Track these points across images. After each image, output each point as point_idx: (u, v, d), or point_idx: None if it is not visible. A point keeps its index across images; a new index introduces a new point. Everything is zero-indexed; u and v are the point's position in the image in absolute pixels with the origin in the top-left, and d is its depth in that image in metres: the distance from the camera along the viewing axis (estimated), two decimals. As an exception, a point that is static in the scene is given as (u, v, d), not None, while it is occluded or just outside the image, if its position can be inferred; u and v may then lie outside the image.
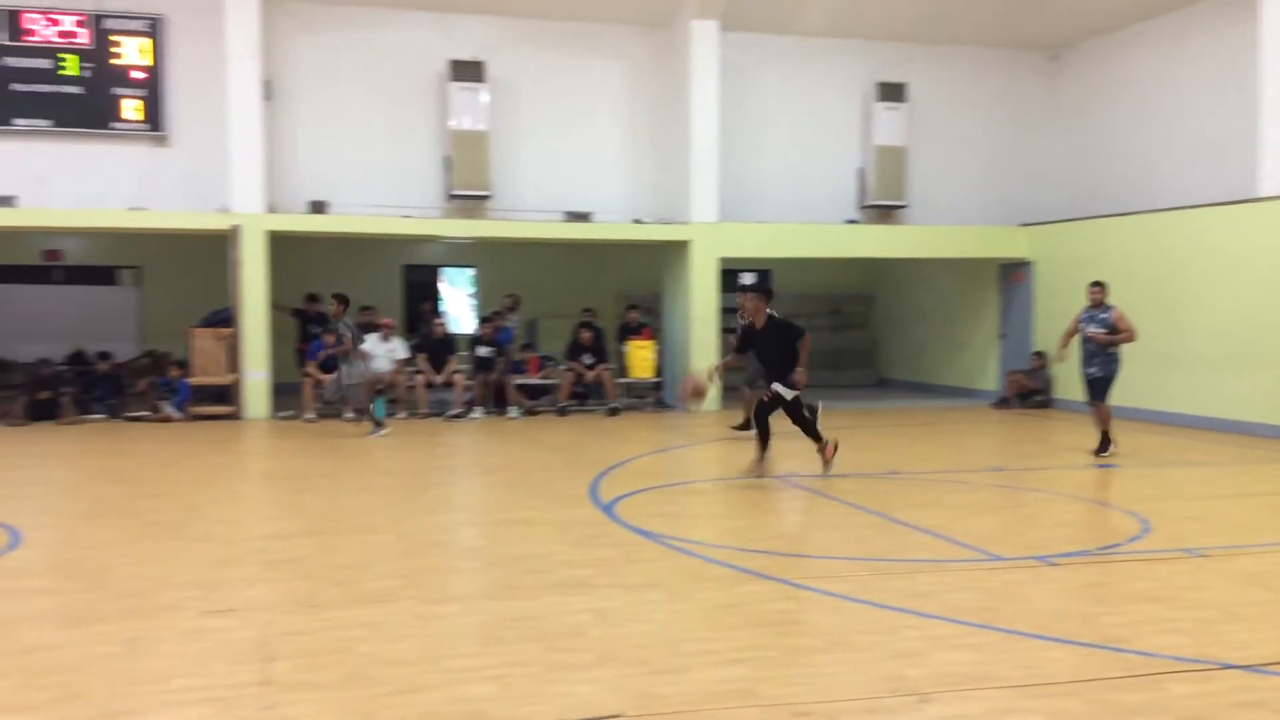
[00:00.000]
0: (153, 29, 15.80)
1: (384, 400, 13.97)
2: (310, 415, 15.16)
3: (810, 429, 10.22)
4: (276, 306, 15.88)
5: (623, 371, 16.82)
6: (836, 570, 6.74)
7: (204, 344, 15.54)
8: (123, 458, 12.24)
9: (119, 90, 15.73)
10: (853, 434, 12.21)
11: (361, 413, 14.15)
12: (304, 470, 11.27)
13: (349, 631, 5.42)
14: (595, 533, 7.81)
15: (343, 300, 14.28)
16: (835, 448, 10.23)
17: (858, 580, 6.46)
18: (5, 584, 6.47)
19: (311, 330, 16.43)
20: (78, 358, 16.23)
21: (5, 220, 15.06)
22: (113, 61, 15.68)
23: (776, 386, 10.03)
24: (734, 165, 17.34)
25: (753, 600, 6.05)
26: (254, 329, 15.43)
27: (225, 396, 15.47)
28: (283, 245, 15.82)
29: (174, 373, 15.33)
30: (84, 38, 15.57)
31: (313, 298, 16.96)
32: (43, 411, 14.80)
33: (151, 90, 15.82)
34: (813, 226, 17.50)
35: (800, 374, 9.99)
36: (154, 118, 15.83)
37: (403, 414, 15.31)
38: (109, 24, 15.65)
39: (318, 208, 16.00)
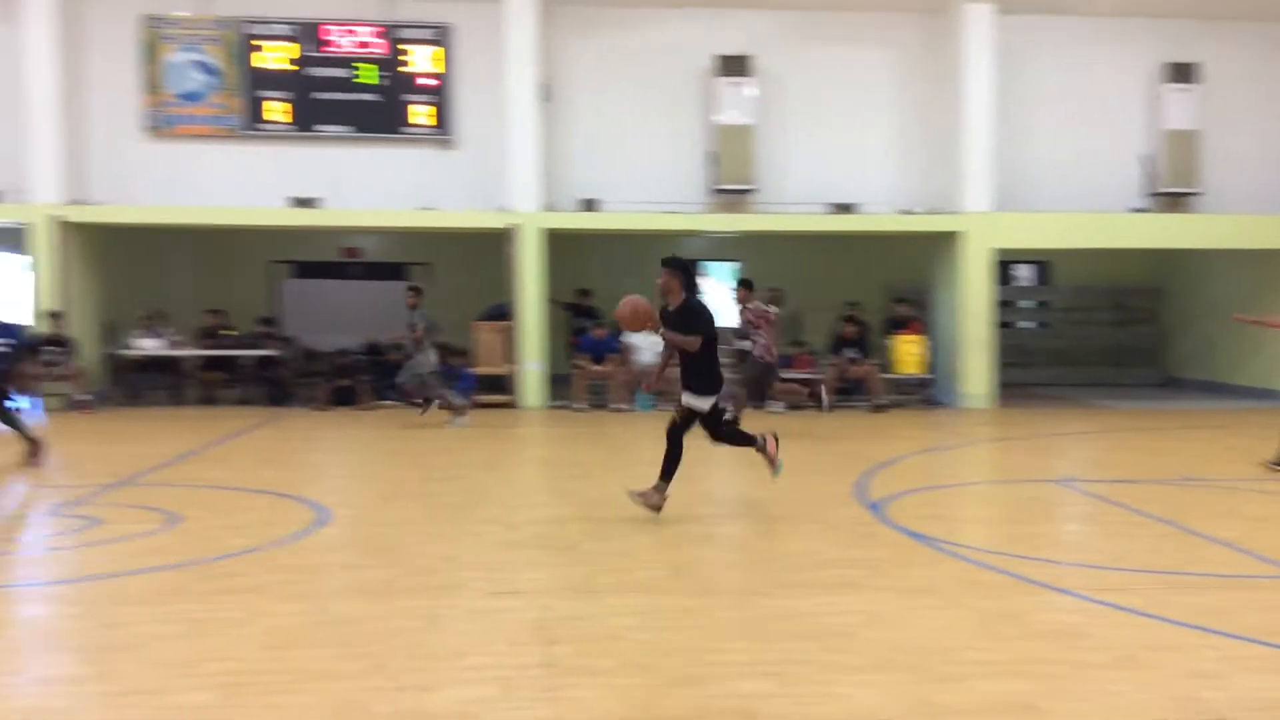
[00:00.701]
0: (442, 37, 16.75)
1: (651, 395, 14.25)
2: (580, 405, 15.69)
3: (740, 437, 8.53)
4: (551, 301, 16.54)
5: (889, 367, 16.52)
6: (1123, 582, 6.40)
7: (485, 336, 16.39)
8: (414, 442, 13.04)
9: (409, 97, 16.76)
10: (1139, 436, 11.55)
11: (428, 401, 14.25)
12: (576, 458, 11.69)
13: (623, 619, 5.58)
14: (863, 533, 7.72)
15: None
16: (775, 439, 8.49)
17: (1147, 593, 6.10)
18: (319, 558, 7.05)
19: (582, 324, 16.99)
20: (373, 348, 17.41)
21: (310, 220, 16.37)
22: (404, 69, 16.72)
23: (687, 398, 8.05)
24: (1007, 153, 16.72)
25: (1033, 610, 5.82)
26: (530, 322, 16.14)
27: (503, 386, 16.25)
28: (557, 242, 16.44)
29: (457, 362, 16.23)
30: (379, 47, 16.67)
31: (584, 292, 17.53)
32: (343, 398, 16.02)
33: (440, 96, 16.78)
34: (1095, 216, 16.64)
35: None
36: (442, 122, 16.79)
37: (666, 406, 15.60)
38: (401, 34, 16.69)
39: (589, 205, 16.52)
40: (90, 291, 16.36)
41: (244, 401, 16.64)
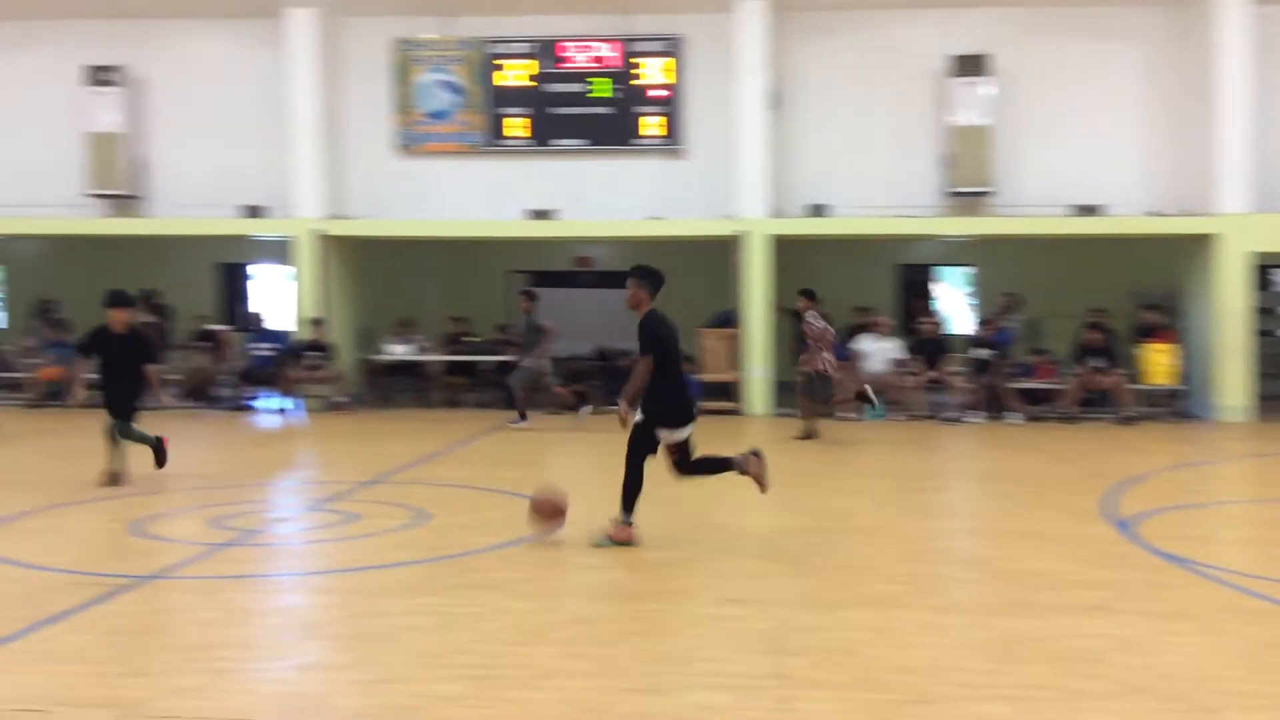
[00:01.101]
0: (673, 48, 17.00)
1: (880, 402, 14.01)
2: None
3: (712, 466, 7.50)
4: (778, 308, 16.48)
5: (1137, 377, 15.66)
6: None
7: (712, 343, 16.51)
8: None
9: (641, 108, 17.09)
10: None
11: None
12: (803, 466, 11.60)
13: (856, 633, 5.51)
14: (1111, 552, 7.35)
15: (531, 296, 14.61)
16: (759, 457, 7.50)
17: None
18: (556, 558, 7.26)
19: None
20: (603, 354, 17.84)
21: (545, 231, 16.94)
22: (636, 82, 17.06)
23: (660, 431, 7.26)
24: (1267, 150, 15.59)
25: (1302, 641, 5.41)
26: (756, 329, 16.16)
27: (729, 393, 16.32)
28: (783, 248, 16.39)
29: (684, 369, 16.41)
30: (614, 61, 17.07)
31: (809, 295, 17.35)
32: (575, 402, 16.43)
33: (670, 106, 17.03)
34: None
35: (622, 409, 7.27)
36: (672, 132, 17.04)
37: (900, 415, 15.31)
38: (635, 47, 17.04)
39: (817, 211, 16.40)
40: (347, 300, 17.44)
41: (483, 405, 17.34)
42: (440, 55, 17.26)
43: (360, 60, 17.39)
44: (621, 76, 17.09)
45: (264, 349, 16.71)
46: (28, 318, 18.63)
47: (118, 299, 9.87)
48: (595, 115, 17.17)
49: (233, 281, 20.54)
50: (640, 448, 7.27)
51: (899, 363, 15.27)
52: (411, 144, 17.39)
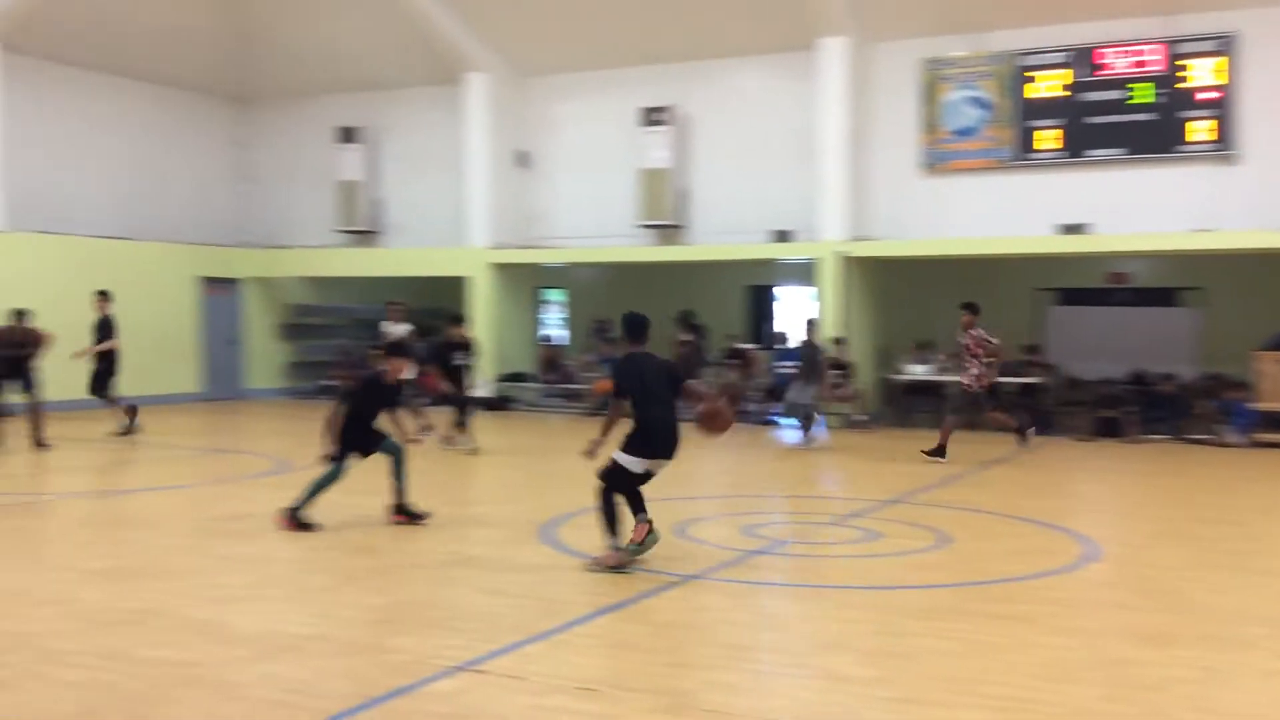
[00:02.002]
0: (1225, 47, 15.53)
1: None
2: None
3: (607, 515, 7.22)
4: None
5: None
6: None
7: (1269, 368, 14.82)
8: (1182, 479, 12.23)
9: (1187, 113, 15.78)
10: None
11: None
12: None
13: None
14: None
15: (811, 325, 13.99)
16: (650, 526, 7.20)
17: None
18: (1089, 594, 6.96)
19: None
20: (1139, 378, 16.64)
21: (1077, 246, 16.14)
22: (1181, 85, 15.77)
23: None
24: None
25: None
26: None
27: (1291, 424, 14.55)
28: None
29: (1233, 396, 14.89)
30: (1156, 65, 15.91)
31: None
32: (1106, 429, 15.52)
33: (1221, 109, 15.57)
34: None
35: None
36: (1223, 136, 15.56)
37: None
38: (1180, 48, 15.77)
39: None
40: (866, 320, 17.74)
41: (1003, 429, 16.81)
42: (969, 72, 17.05)
43: (887, 84, 17.63)
44: (1165, 80, 15.87)
45: (788, 367, 17.42)
46: (587, 336, 20.83)
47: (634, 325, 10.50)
48: (1135, 123, 16.09)
49: (760, 302, 21.62)
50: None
51: None
52: (936, 163, 17.34)
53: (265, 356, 22.14)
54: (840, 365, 16.57)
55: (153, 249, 20.20)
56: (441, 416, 13.32)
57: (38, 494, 10.54)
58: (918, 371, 17.39)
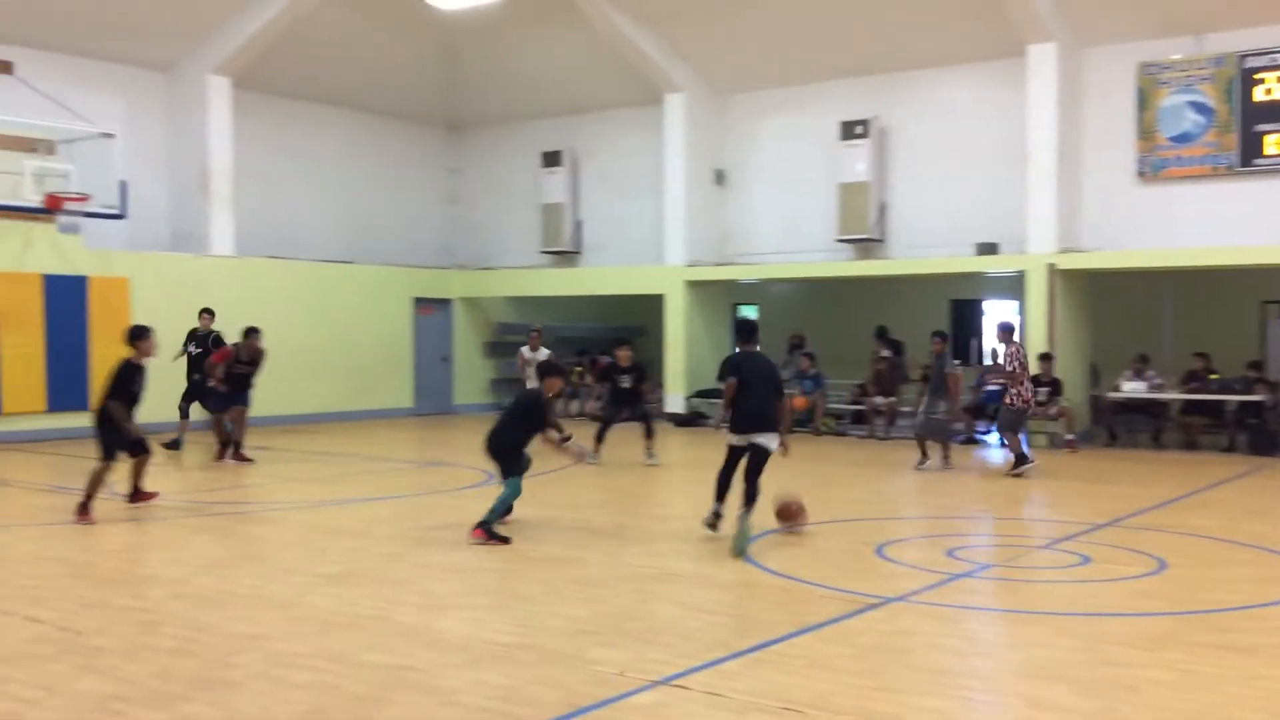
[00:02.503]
0: None
1: None
2: None
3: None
4: None
5: None
6: None
7: None
8: None
9: None
10: None
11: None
12: None
13: None
14: None
15: (943, 338, 13.75)
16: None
17: None
18: (1320, 629, 6.50)
19: None
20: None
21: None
22: None
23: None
24: None
25: None
26: None
27: None
28: None
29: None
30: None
31: None
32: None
33: None
34: None
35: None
36: None
37: None
38: None
39: None
40: (1076, 335, 17.05)
41: (1229, 449, 15.88)
42: (1188, 75, 16.21)
43: (1099, 89, 16.95)
44: None
45: (993, 383, 16.91)
46: (785, 353, 20.76)
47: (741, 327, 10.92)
48: None
49: (964, 317, 21.06)
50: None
51: None
52: (1153, 171, 16.53)
53: (472, 373, 22.99)
54: (1047, 382, 15.97)
55: (370, 271, 21.28)
56: (619, 433, 13.51)
57: (267, 504, 11.23)
58: (1132, 389, 16.58)
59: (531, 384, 13.16)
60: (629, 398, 14.30)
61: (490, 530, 8.75)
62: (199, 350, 15.10)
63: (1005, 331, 13.74)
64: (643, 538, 9.19)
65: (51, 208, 15.70)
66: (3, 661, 5.60)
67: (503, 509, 8.92)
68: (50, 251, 16.92)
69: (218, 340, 14.99)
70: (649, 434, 14.14)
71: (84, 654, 5.78)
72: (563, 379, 9.99)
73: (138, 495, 10.40)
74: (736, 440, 8.82)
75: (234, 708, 4.96)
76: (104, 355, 17.11)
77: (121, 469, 10.13)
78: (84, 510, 9.70)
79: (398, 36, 20.64)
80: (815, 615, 6.56)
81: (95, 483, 9.78)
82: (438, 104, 22.92)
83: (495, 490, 9.15)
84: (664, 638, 6.10)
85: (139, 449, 10.09)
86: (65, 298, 16.88)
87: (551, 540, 9.02)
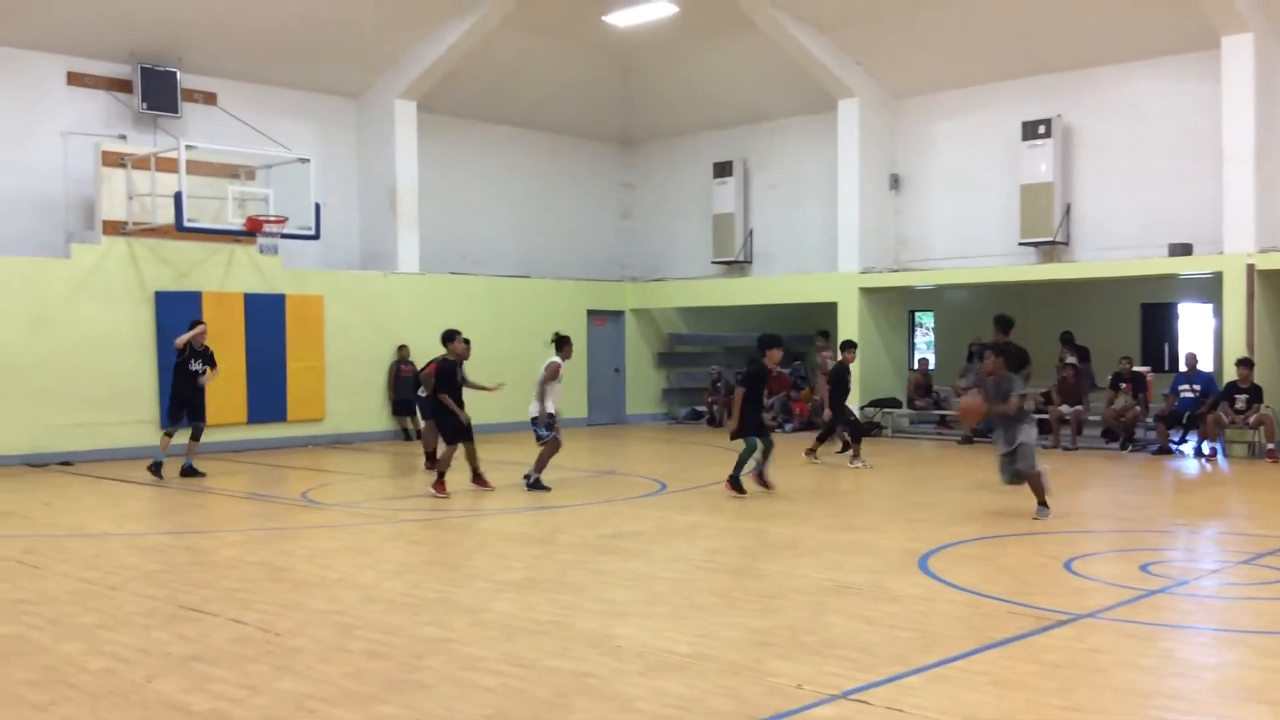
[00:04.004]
0: None
1: None
2: None
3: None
4: None
5: None
6: None
7: None
8: None
9: None
10: None
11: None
12: None
13: None
14: None
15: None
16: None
17: None
18: None
19: None
20: None
21: None
22: None
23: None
24: None
25: None
26: None
27: None
28: None
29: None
30: None
31: None
32: None
33: None
34: None
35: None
36: None
37: None
38: None
39: None
40: (1277, 338, 16.07)
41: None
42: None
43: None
44: None
45: (1188, 390, 16.10)
46: (964, 360, 20.23)
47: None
48: None
49: (1158, 321, 20.12)
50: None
51: None
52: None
53: (644, 383, 23.23)
54: (1246, 388, 15.11)
55: (546, 285, 21.75)
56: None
57: (453, 510, 11.59)
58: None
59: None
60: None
61: (735, 482, 11.58)
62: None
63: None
64: (819, 549, 9.11)
65: (252, 230, 16.60)
66: (211, 662, 5.95)
67: (740, 465, 11.66)
68: (251, 271, 17.91)
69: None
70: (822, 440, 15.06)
71: (282, 655, 6.08)
72: (780, 350, 12.17)
73: (478, 479, 12.47)
74: None
75: (424, 709, 5.14)
76: (299, 370, 18.15)
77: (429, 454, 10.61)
78: (440, 484, 11.94)
79: (574, 56, 21.06)
80: (1000, 631, 6.37)
81: (445, 462, 12.11)
82: (612, 119, 23.27)
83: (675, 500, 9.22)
84: (843, 651, 6.03)
85: (465, 436, 12.20)
86: (264, 315, 17.85)
87: (728, 550, 9.02)
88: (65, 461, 15.82)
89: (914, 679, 5.50)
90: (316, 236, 17.40)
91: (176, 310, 16.31)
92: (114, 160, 16.67)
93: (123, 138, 17.29)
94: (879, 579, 7.84)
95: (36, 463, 15.61)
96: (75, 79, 17.14)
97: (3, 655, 6.11)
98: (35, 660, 6.00)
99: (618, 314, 23.09)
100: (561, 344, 12.51)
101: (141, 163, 16.66)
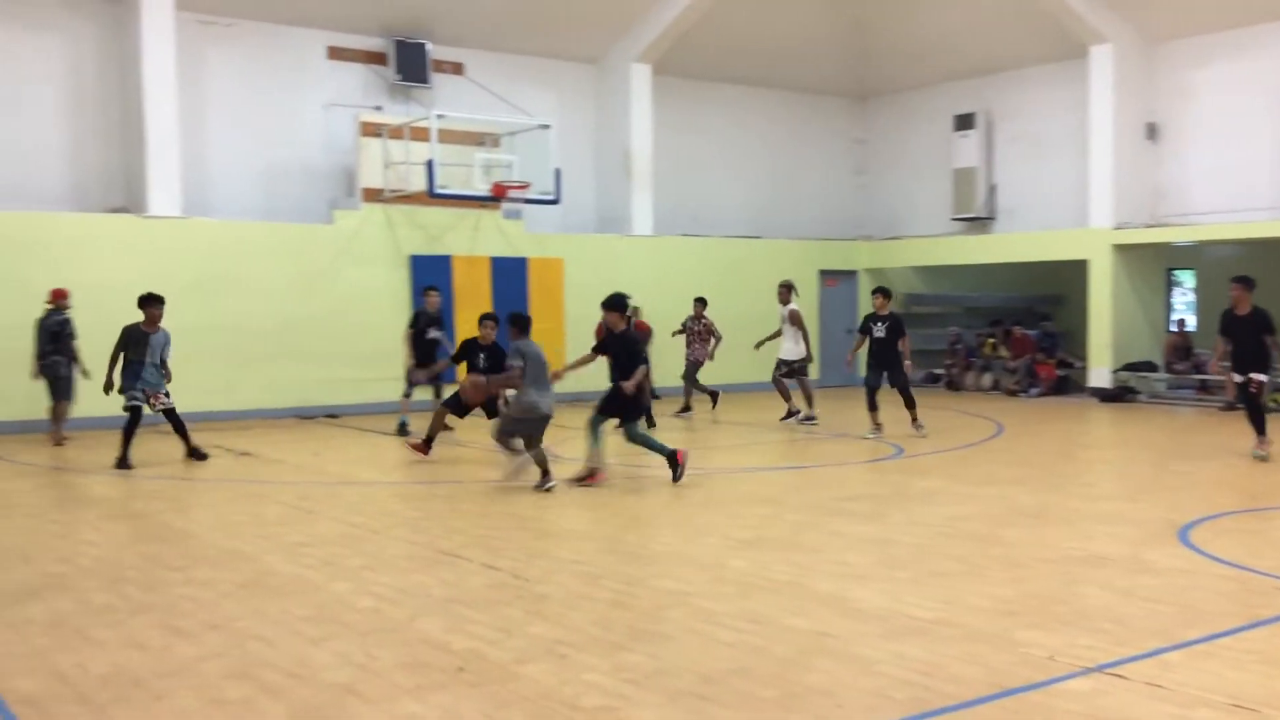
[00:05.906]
0: None
1: None
2: None
3: None
4: None
5: None
6: None
7: None
8: None
9: None
10: None
11: None
12: None
13: None
14: None
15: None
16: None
17: None
18: None
19: None
20: None
21: None
22: None
23: None
24: None
25: None
26: None
27: None
28: None
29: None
30: None
31: None
32: None
33: None
34: None
35: None
36: None
37: None
38: None
39: None
40: None
41: None
42: None
43: None
44: None
45: None
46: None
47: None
48: None
49: None
50: None
51: None
52: None
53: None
54: None
55: (779, 246, 21.63)
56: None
57: (686, 469, 11.77)
58: None
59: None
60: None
61: None
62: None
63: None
64: (1069, 518, 8.76)
65: (497, 195, 17.23)
66: (468, 604, 6.28)
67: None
68: (496, 235, 18.62)
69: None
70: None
71: (532, 600, 6.36)
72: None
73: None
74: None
75: (667, 659, 5.27)
76: (540, 330, 18.65)
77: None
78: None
79: (808, 12, 20.73)
80: (1270, 608, 5.98)
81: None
82: (846, 75, 22.81)
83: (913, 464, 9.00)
84: (1097, 623, 5.79)
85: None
86: (509, 278, 18.53)
87: (970, 517, 8.80)
88: (331, 414, 16.97)
89: (1174, 655, 5.25)
90: (557, 201, 17.88)
91: (429, 273, 17.18)
92: (371, 130, 17.61)
93: (379, 109, 18.23)
94: (1135, 550, 7.49)
95: (305, 415, 16.81)
96: (335, 53, 18.17)
97: (285, 593, 6.65)
98: (311, 598, 6.49)
99: (850, 274, 22.72)
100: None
101: (396, 132, 17.53)
